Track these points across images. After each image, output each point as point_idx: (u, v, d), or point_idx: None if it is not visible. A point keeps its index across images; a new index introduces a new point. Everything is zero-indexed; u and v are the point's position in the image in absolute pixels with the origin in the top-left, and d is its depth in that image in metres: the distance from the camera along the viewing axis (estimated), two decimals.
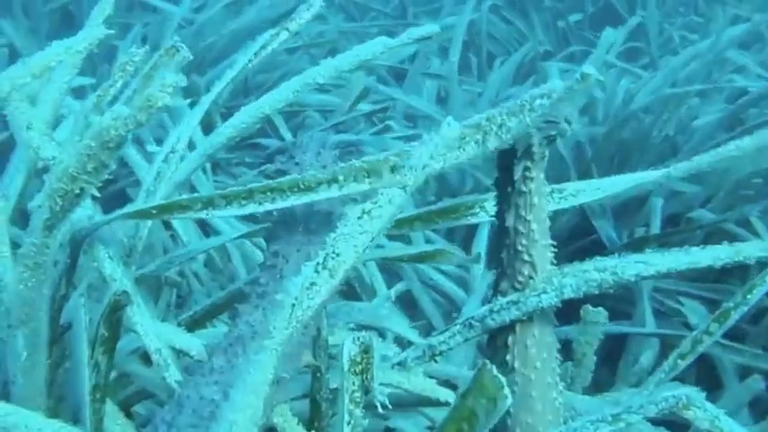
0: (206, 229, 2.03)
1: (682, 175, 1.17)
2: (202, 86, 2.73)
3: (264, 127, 2.63)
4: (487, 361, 0.82)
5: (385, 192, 0.91)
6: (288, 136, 2.65)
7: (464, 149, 0.93)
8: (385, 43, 1.20)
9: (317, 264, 0.85)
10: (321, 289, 0.84)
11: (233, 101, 2.76)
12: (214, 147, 1.28)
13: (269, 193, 0.95)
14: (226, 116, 2.57)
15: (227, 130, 1.27)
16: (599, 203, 2.29)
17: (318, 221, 0.97)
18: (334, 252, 0.86)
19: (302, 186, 0.94)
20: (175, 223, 1.84)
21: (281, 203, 0.95)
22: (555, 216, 2.38)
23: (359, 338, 0.90)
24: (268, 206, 0.95)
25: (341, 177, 0.94)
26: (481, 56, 3.39)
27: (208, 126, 2.50)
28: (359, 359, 0.91)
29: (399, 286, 1.79)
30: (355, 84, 2.72)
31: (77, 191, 0.90)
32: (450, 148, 0.94)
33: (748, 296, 1.13)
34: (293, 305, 0.82)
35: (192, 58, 1.12)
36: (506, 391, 0.81)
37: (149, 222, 1.28)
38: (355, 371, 0.91)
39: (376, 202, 0.89)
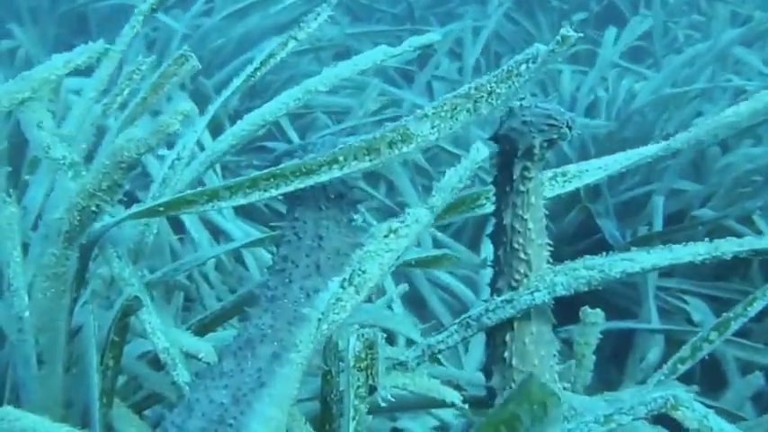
0: (216, 234, 2.05)
1: (681, 147, 1.18)
2: (210, 88, 2.75)
3: (272, 129, 2.65)
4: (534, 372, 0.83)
5: (412, 212, 0.92)
6: (295, 138, 2.66)
7: (456, 119, 0.95)
8: (385, 52, 1.21)
9: (344, 280, 0.87)
10: (347, 304, 0.86)
11: (240, 104, 2.78)
12: (216, 153, 1.28)
13: (272, 180, 0.96)
14: (234, 119, 2.60)
15: (228, 138, 1.28)
16: (603, 204, 2.31)
17: (327, 227, 0.98)
18: (360, 269, 0.87)
19: (304, 170, 0.95)
20: (188, 225, 1.86)
21: (284, 189, 0.95)
22: (560, 216, 2.41)
23: (363, 335, 0.91)
24: (273, 192, 0.96)
25: (341, 158, 0.95)
26: (489, 56, 3.40)
27: (217, 129, 2.52)
28: (363, 355, 0.92)
29: (400, 288, 1.81)
30: (371, 90, 2.72)
31: (94, 207, 0.91)
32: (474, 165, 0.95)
33: (749, 308, 1.14)
34: (319, 320, 0.83)
35: (200, 67, 1.12)
36: (559, 396, 0.81)
37: (155, 228, 1.29)
38: (360, 367, 0.92)
39: (403, 221, 0.90)
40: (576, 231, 2.33)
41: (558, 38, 0.92)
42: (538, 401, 0.78)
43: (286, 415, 0.75)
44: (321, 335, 0.84)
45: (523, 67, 0.92)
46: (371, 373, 0.91)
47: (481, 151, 0.94)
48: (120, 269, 1.11)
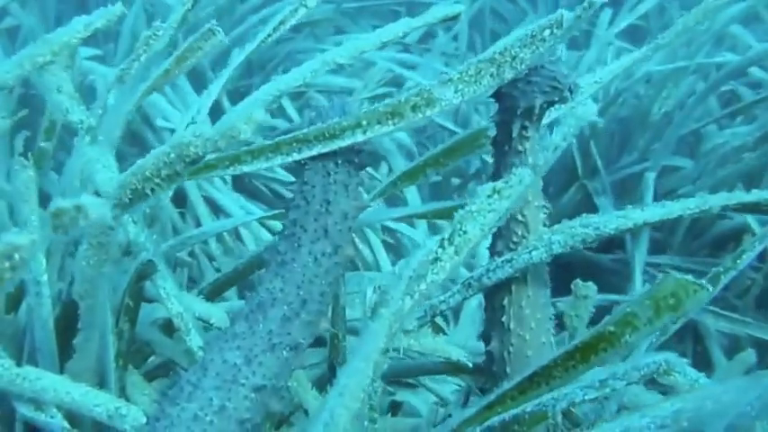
0: (216, 213, 2.08)
1: (668, 44, 1.18)
2: (206, 66, 2.77)
3: (272, 107, 2.67)
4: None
5: (516, 172, 0.92)
6: (296, 117, 2.68)
7: (480, 83, 0.96)
8: (408, 24, 1.20)
9: (443, 239, 0.86)
10: (446, 265, 0.85)
11: (238, 81, 2.79)
12: None
13: (295, 144, 0.96)
14: (232, 96, 2.61)
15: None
16: (600, 182, 2.35)
17: (335, 191, 0.99)
18: (461, 229, 0.87)
19: (327, 135, 0.95)
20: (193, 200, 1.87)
21: (307, 153, 0.95)
22: (558, 194, 2.43)
23: (379, 287, 0.93)
24: (295, 156, 0.96)
25: (364, 122, 0.95)
26: (485, 34, 3.42)
27: (215, 107, 2.53)
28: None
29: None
30: (377, 70, 2.73)
31: (148, 191, 0.91)
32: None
33: (738, 261, 1.17)
34: (410, 277, 0.83)
35: (226, 42, 1.13)
36: (703, 286, 0.77)
37: (170, 193, 1.31)
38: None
39: (507, 182, 0.91)
40: (576, 209, 2.37)
41: (585, 4, 0.93)
42: (669, 294, 0.76)
43: (371, 367, 0.76)
44: (417, 293, 0.83)
45: (547, 32, 0.93)
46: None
47: (589, 108, 0.93)
48: (136, 234, 1.14)
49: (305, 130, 0.95)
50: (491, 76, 0.94)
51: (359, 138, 0.95)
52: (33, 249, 0.56)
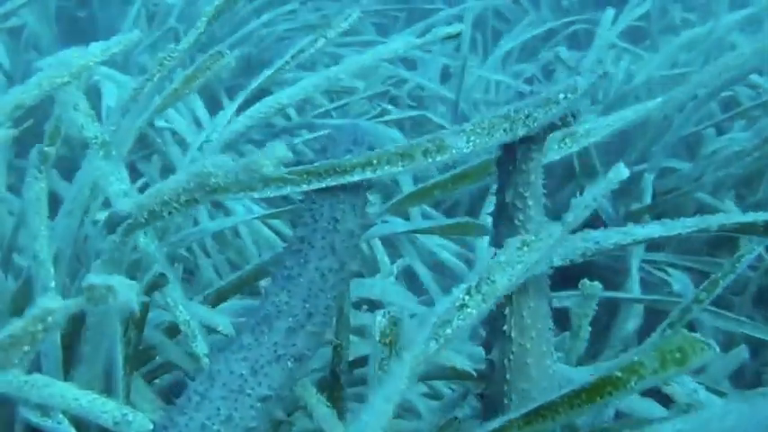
0: (216, 207, 2.09)
1: (683, 97, 1.20)
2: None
3: None
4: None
5: (547, 227, 0.97)
6: (293, 114, 2.70)
7: (493, 135, 0.99)
8: (407, 42, 1.23)
9: (470, 287, 0.90)
10: (473, 312, 0.90)
11: (236, 78, 2.81)
12: (232, 133, 1.34)
13: (306, 176, 1.00)
14: (231, 93, 2.62)
15: (244, 120, 1.32)
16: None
17: (343, 210, 1.02)
18: (489, 278, 0.91)
19: (338, 170, 0.99)
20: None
21: (317, 185, 1.00)
22: (556, 192, 2.44)
23: (389, 313, 0.97)
24: (305, 187, 1.00)
25: (375, 161, 0.99)
26: (487, 33, 3.43)
27: (214, 103, 2.55)
28: (388, 331, 0.99)
29: (401, 262, 1.86)
30: (379, 71, 2.74)
31: (165, 214, 0.95)
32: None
33: (736, 265, 1.19)
34: (434, 323, 0.88)
35: (233, 65, 1.16)
36: (709, 345, 0.81)
37: None
38: (385, 341, 0.99)
39: (537, 235, 0.95)
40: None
41: (600, 72, 0.97)
42: (675, 349, 0.79)
43: (391, 407, 0.81)
44: (444, 338, 0.88)
45: (562, 95, 0.97)
46: (394, 349, 0.96)
47: (621, 172, 0.98)
48: (146, 245, 1.16)
49: (316, 164, 0.99)
50: (504, 131, 0.98)
51: (368, 175, 0.99)
52: (65, 313, 0.58)
